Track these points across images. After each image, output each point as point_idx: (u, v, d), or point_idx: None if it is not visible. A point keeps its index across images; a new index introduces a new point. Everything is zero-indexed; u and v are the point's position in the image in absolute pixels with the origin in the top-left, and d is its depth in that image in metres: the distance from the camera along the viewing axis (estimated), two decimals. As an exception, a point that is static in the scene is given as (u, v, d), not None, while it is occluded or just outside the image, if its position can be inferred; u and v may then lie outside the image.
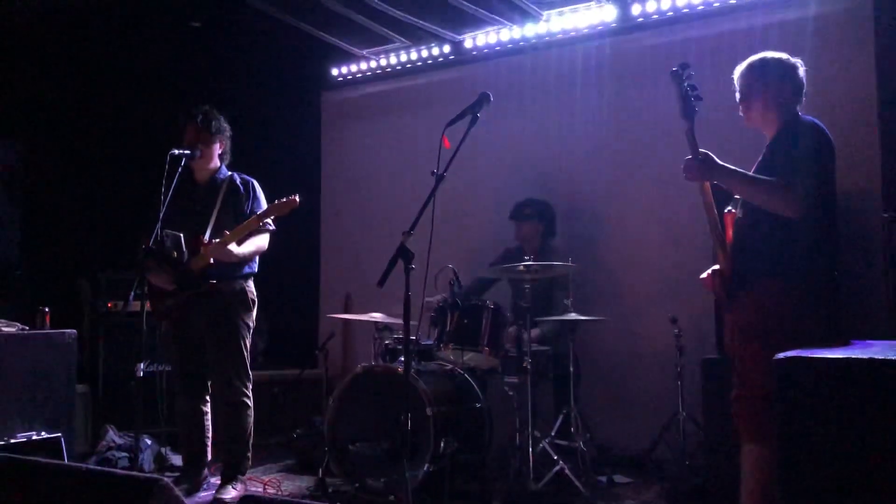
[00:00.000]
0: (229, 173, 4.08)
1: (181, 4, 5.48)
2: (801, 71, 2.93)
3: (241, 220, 3.88)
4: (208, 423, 4.07)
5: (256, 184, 4.09)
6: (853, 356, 1.75)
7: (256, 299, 4.04)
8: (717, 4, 4.84)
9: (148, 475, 2.44)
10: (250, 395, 3.98)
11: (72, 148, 6.11)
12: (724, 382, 3.78)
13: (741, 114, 3.01)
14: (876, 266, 3.77)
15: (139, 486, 2.10)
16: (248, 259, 3.94)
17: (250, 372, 4.00)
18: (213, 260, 3.79)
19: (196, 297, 3.85)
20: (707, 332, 4.35)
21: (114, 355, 5.26)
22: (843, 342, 2.13)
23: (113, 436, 4.84)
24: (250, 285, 4.03)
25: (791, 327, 2.59)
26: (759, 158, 2.89)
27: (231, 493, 3.84)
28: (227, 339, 3.90)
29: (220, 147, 4.06)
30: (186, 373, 4.01)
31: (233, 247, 3.79)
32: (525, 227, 5.00)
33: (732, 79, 3.04)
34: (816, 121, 2.84)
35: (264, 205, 4.01)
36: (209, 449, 4.08)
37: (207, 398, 4.06)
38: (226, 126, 4.10)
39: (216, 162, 4.06)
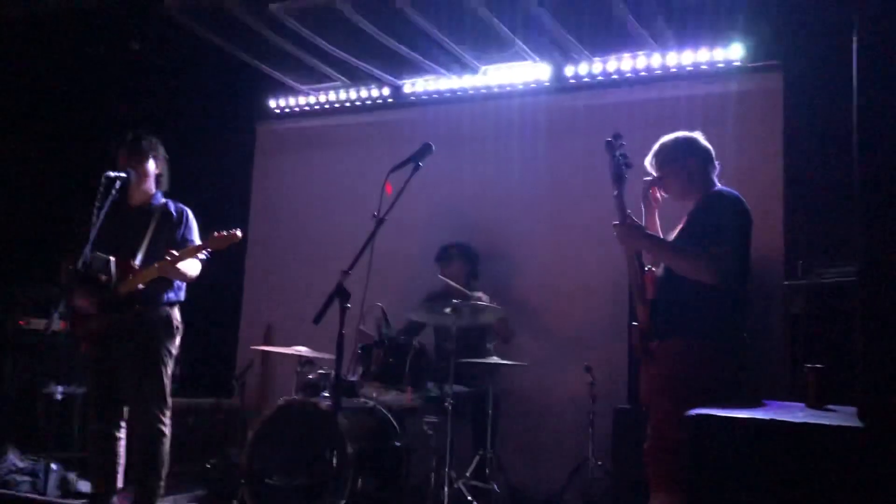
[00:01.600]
0: (164, 200, 4.06)
1: (122, 25, 5.45)
2: (702, 140, 3.13)
3: (172, 247, 3.86)
4: (121, 449, 3.97)
5: (191, 213, 4.08)
6: (757, 416, 1.92)
7: (181, 327, 4.01)
8: (644, 73, 5.15)
9: (67, 502, 2.41)
10: (168, 423, 3.92)
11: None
12: (634, 431, 3.96)
13: (663, 193, 3.21)
14: (777, 330, 4.05)
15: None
16: (189, 280, 3.93)
17: (169, 400, 3.95)
18: (142, 285, 3.76)
19: (120, 321, 3.80)
20: (620, 382, 4.56)
21: (20, 374, 5.08)
22: (756, 402, 2.30)
23: (14, 458, 4.65)
24: (175, 313, 3.99)
25: (700, 384, 2.75)
26: (681, 225, 3.08)
27: (141, 522, 3.77)
28: (149, 366, 3.84)
29: (157, 168, 4.04)
30: (102, 397, 3.92)
31: (182, 265, 3.77)
32: (449, 268, 5.10)
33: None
34: (736, 193, 3.04)
35: (196, 234, 4.01)
36: (120, 476, 3.99)
37: (122, 424, 3.97)
38: (159, 147, 4.08)
39: (151, 186, 4.03)
